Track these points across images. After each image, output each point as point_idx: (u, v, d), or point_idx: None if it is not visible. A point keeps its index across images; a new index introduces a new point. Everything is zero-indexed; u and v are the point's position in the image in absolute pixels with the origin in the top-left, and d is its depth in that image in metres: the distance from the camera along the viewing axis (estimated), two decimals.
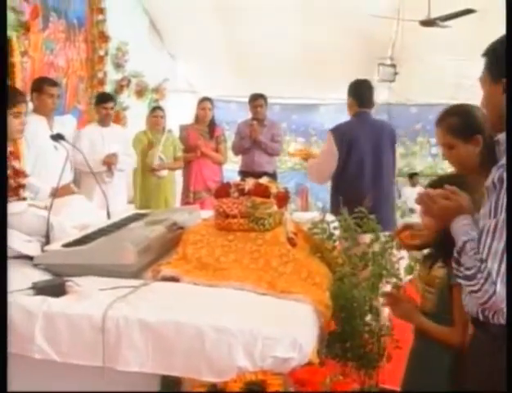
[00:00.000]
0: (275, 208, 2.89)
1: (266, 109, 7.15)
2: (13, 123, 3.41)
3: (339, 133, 4.97)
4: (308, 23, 7.86)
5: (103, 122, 5.94)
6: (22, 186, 3.51)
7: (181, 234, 2.98)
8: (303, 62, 8.52)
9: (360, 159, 4.89)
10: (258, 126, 6.96)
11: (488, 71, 2.01)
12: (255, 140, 6.96)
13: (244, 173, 6.81)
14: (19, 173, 3.50)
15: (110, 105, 5.92)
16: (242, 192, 2.92)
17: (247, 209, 2.84)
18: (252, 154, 7.02)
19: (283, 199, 3.02)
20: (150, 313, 2.18)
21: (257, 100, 7.06)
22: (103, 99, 5.99)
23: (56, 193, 3.41)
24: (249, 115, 7.19)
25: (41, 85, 4.70)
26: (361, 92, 5.15)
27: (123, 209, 4.60)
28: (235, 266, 2.66)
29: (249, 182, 2.95)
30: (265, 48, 8.35)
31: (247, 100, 9.15)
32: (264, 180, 3.04)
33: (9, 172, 3.40)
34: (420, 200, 2.21)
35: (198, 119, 6.90)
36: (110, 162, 5.79)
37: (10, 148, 3.47)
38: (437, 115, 2.71)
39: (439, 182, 2.44)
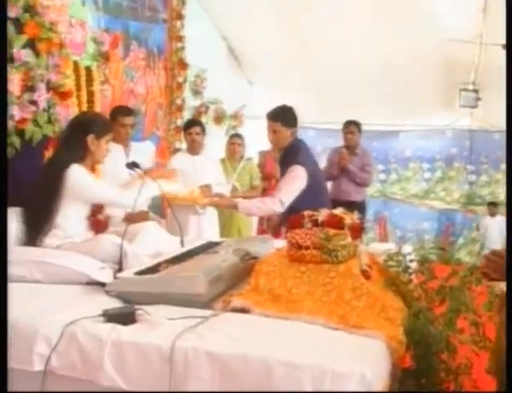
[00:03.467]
0: (349, 239, 2.84)
1: (359, 136, 6.82)
2: (104, 149, 3.53)
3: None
4: (388, 48, 7.78)
5: (192, 150, 5.61)
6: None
7: (253, 264, 2.97)
8: (382, 88, 8.42)
9: None
10: (347, 154, 6.67)
11: None
12: (343, 168, 6.65)
13: (331, 201, 6.69)
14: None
15: (196, 130, 5.56)
16: (315, 223, 2.88)
17: (320, 240, 2.80)
18: (339, 182, 6.71)
19: (357, 230, 2.96)
20: (218, 345, 2.18)
21: (348, 127, 6.76)
22: (188, 125, 5.73)
23: (131, 219, 3.48)
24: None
25: (115, 115, 4.63)
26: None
27: None
28: (308, 298, 2.62)
29: (323, 213, 2.91)
30: (343, 74, 8.29)
31: (326, 127, 9.13)
32: (338, 211, 2.99)
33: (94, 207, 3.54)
34: (487, 261, 2.17)
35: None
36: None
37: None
38: None
39: None
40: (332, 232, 2.82)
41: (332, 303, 2.59)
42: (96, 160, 3.52)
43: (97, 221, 3.54)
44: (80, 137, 3.40)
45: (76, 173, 3.31)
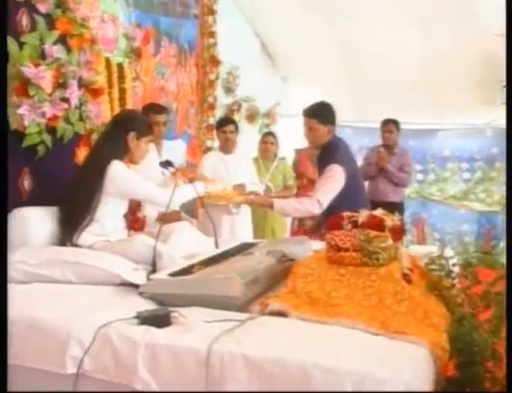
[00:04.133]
0: (390, 242, 2.75)
1: (397, 135, 6.69)
2: (143, 149, 3.52)
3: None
4: (425, 45, 7.63)
5: (224, 148, 5.47)
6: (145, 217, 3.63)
7: (290, 266, 2.89)
8: (420, 85, 8.24)
9: None
10: (385, 153, 6.54)
11: None
12: (381, 168, 6.52)
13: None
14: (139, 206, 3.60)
15: (230, 128, 5.42)
16: (355, 225, 2.79)
17: (360, 242, 2.71)
18: (376, 182, 6.58)
19: (398, 232, 2.86)
20: (255, 349, 2.11)
21: (386, 125, 6.65)
22: (221, 123, 5.59)
23: (164, 220, 3.43)
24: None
25: (147, 112, 4.50)
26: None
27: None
28: (347, 302, 2.53)
29: (363, 215, 2.82)
30: (380, 72, 8.14)
31: (362, 125, 8.98)
32: (379, 212, 2.89)
33: (132, 205, 3.56)
34: None
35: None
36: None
37: None
38: None
39: None
40: (373, 233, 2.74)
41: (372, 307, 2.50)
42: (134, 159, 3.50)
43: (136, 219, 3.54)
44: (121, 134, 3.41)
45: (117, 169, 3.31)
